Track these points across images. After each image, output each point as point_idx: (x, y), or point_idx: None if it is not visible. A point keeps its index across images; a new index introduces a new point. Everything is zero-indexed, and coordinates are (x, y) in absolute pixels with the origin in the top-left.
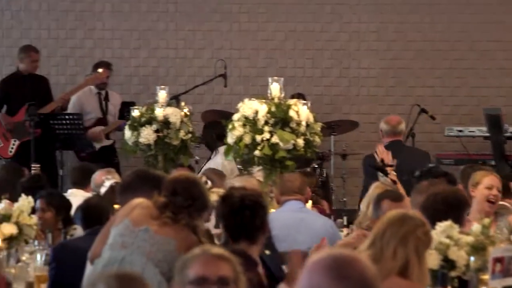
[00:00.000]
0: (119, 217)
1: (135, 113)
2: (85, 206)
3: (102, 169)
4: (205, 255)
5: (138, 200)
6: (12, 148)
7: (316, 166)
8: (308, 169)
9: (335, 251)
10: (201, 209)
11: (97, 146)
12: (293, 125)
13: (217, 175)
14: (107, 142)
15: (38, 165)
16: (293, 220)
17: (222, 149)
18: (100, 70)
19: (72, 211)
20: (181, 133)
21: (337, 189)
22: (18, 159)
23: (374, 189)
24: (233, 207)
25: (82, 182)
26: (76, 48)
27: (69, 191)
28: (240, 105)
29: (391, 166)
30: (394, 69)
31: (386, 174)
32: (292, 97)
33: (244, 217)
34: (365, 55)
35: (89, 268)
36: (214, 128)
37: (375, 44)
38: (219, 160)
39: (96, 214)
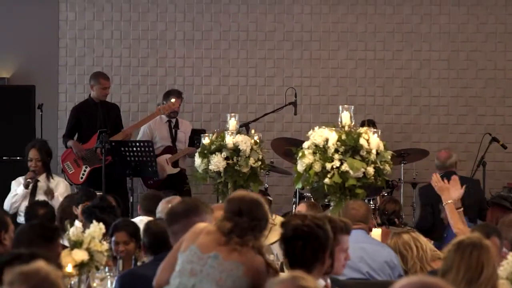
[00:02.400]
0: (185, 243)
1: (205, 140)
2: (151, 232)
3: (168, 197)
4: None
5: (203, 225)
6: (83, 174)
7: (386, 194)
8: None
9: (425, 278)
10: (264, 229)
11: (164, 174)
12: (363, 153)
13: None
14: (173, 170)
15: (100, 193)
16: (359, 252)
17: None
18: (173, 100)
19: None
20: (251, 161)
21: (407, 218)
22: (89, 185)
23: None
24: (287, 236)
25: (152, 209)
26: (148, 76)
27: (138, 218)
28: (310, 133)
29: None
30: (464, 98)
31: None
32: (363, 123)
33: (296, 247)
34: (435, 83)
35: None
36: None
37: (446, 72)
38: None
39: (162, 240)
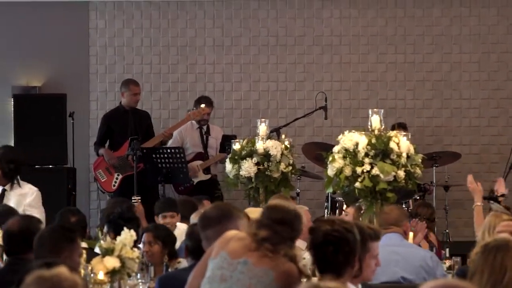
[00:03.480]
0: (215, 249)
1: (236, 146)
2: (197, 237)
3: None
4: None
5: (234, 232)
6: (115, 182)
7: (418, 198)
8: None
9: (450, 281)
10: (296, 238)
11: (195, 180)
12: (393, 156)
13: None
14: (204, 177)
15: (139, 197)
16: (388, 255)
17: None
18: (202, 105)
19: (177, 244)
20: (282, 166)
21: (439, 221)
22: (121, 193)
23: (490, 217)
24: (317, 242)
25: (186, 215)
26: (178, 83)
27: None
28: (340, 137)
29: (503, 195)
30: (496, 100)
31: (498, 202)
32: (393, 126)
33: (327, 253)
34: (466, 85)
35: None
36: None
37: (477, 75)
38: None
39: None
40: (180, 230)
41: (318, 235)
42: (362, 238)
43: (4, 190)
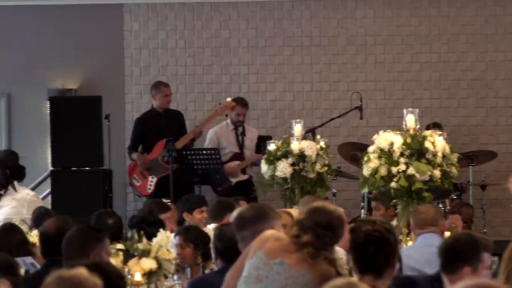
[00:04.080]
0: (252, 249)
1: (271, 147)
2: (226, 238)
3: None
4: None
5: (271, 232)
6: (150, 185)
7: (455, 197)
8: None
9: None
10: (337, 243)
11: (233, 181)
12: (429, 156)
13: None
14: (243, 177)
15: (168, 200)
16: (426, 255)
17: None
18: (228, 99)
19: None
20: (317, 166)
21: (477, 220)
22: (157, 195)
23: None
24: (358, 242)
25: (219, 215)
26: (213, 84)
27: (209, 226)
28: (375, 137)
29: None
30: None
31: None
32: (428, 126)
33: (368, 253)
34: (502, 84)
35: None
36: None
37: None
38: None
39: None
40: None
41: (359, 235)
42: (475, 248)
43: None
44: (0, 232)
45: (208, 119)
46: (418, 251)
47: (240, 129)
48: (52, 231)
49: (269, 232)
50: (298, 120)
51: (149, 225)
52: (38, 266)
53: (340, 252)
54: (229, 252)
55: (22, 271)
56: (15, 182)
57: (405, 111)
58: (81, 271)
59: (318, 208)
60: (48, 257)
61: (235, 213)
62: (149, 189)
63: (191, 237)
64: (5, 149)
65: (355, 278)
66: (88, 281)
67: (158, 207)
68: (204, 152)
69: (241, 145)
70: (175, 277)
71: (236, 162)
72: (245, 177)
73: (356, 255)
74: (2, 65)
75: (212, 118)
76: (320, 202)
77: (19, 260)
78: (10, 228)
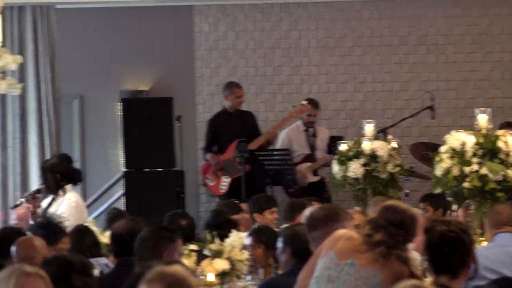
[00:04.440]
0: (324, 249)
1: (343, 147)
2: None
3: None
4: None
5: (343, 231)
6: (223, 185)
7: None
8: None
9: None
10: (410, 242)
11: (305, 182)
12: (502, 156)
13: None
14: (314, 179)
15: (237, 201)
16: (503, 256)
17: (68, 187)
18: (304, 102)
19: None
20: (389, 166)
21: None
22: (230, 196)
23: None
24: (432, 243)
25: (291, 216)
26: (283, 85)
27: (283, 226)
28: (447, 137)
29: None
30: None
31: None
32: (501, 125)
33: (443, 254)
34: None
35: None
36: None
37: None
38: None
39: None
40: None
41: (433, 236)
42: None
43: (53, 199)
44: (73, 234)
45: (283, 121)
46: (494, 252)
47: (311, 130)
48: (123, 232)
49: (340, 232)
50: (369, 120)
51: (218, 228)
52: (112, 266)
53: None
54: (302, 252)
55: (96, 272)
56: (69, 186)
57: (477, 110)
58: (180, 269)
59: (391, 206)
60: (119, 258)
61: (306, 214)
62: (222, 189)
63: (263, 237)
64: (58, 154)
65: (429, 279)
66: (187, 279)
67: (230, 208)
68: (276, 153)
69: (312, 147)
70: (248, 277)
71: (307, 164)
72: (316, 178)
73: (430, 255)
74: (75, 67)
75: (286, 121)
76: (392, 201)
77: (93, 261)
78: (83, 230)
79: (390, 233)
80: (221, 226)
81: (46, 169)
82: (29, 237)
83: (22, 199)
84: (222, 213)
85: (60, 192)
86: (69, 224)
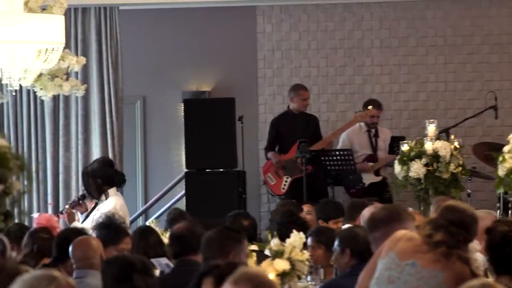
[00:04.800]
0: (384, 250)
1: (405, 147)
2: (355, 240)
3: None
4: None
5: (403, 232)
6: (284, 185)
7: None
8: None
9: None
10: (470, 242)
11: (366, 182)
12: None
13: None
14: (376, 179)
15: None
16: None
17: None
18: (369, 107)
19: None
20: (451, 167)
21: None
22: (291, 195)
23: None
24: (494, 243)
25: (353, 216)
26: (346, 85)
27: (343, 227)
28: (510, 136)
29: None
30: None
31: None
32: None
33: (504, 254)
34: None
35: None
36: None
37: None
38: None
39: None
40: None
41: (495, 236)
42: None
43: (96, 203)
44: (137, 234)
45: (346, 125)
46: None
47: (373, 130)
48: (182, 232)
49: (401, 232)
50: (432, 120)
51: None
52: (172, 266)
53: (479, 257)
54: (362, 253)
55: (157, 272)
56: (113, 189)
57: None
58: (263, 271)
59: (451, 206)
60: (178, 258)
61: (365, 214)
62: (283, 189)
63: (323, 238)
64: (100, 158)
65: (491, 279)
66: (272, 281)
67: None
68: (337, 153)
69: (374, 147)
70: (309, 278)
71: (369, 164)
72: (378, 178)
73: (492, 256)
74: (138, 68)
75: (350, 125)
76: (452, 201)
77: (154, 261)
78: (147, 230)
79: (451, 233)
80: (292, 225)
81: (87, 175)
82: (85, 237)
83: (67, 206)
84: (292, 213)
85: (103, 197)
86: None
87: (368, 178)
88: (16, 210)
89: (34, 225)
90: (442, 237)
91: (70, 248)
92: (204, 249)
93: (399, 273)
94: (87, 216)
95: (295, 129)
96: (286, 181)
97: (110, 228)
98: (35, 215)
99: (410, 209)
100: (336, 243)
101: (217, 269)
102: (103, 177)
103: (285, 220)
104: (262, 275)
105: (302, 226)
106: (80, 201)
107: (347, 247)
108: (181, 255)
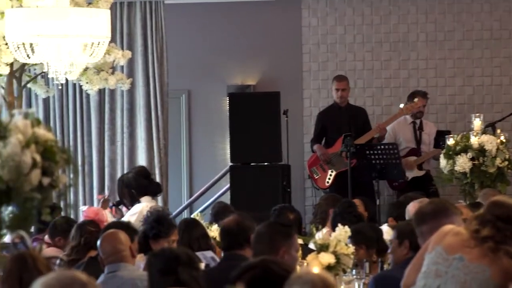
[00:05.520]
0: (431, 244)
1: (450, 141)
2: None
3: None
4: None
5: (450, 226)
6: (329, 178)
7: None
8: None
9: None
10: None
11: (409, 176)
12: None
13: None
14: (419, 173)
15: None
16: None
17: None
18: (416, 99)
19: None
20: (497, 161)
21: None
22: (335, 189)
23: None
24: None
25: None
26: (391, 79)
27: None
28: None
29: None
30: None
31: None
32: None
33: None
34: None
35: None
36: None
37: None
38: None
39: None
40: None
41: None
42: None
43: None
44: (183, 226)
45: (393, 117)
46: None
47: (418, 122)
48: (232, 226)
49: (448, 227)
50: (477, 114)
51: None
52: (218, 260)
53: None
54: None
55: (202, 265)
56: (146, 197)
57: None
58: (323, 272)
59: (498, 201)
60: (227, 252)
61: (410, 209)
62: (328, 182)
63: (362, 239)
64: (137, 167)
65: None
66: (328, 279)
67: (334, 202)
68: (382, 147)
69: (418, 141)
70: (354, 271)
71: (413, 158)
72: (421, 172)
73: None
74: (183, 62)
75: (397, 117)
76: (499, 196)
77: (199, 254)
78: (192, 223)
79: (498, 228)
80: (348, 215)
81: (122, 183)
82: (113, 231)
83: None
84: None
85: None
86: None
87: (411, 172)
88: (62, 203)
89: (82, 218)
90: (489, 232)
91: (98, 243)
92: (255, 244)
93: (447, 268)
94: None
95: (340, 121)
96: (330, 175)
97: (161, 222)
98: (83, 208)
99: (461, 201)
100: (394, 235)
101: (249, 272)
102: (137, 188)
103: (341, 210)
104: (327, 278)
105: (358, 218)
106: (114, 207)
107: (406, 239)
108: (229, 249)
